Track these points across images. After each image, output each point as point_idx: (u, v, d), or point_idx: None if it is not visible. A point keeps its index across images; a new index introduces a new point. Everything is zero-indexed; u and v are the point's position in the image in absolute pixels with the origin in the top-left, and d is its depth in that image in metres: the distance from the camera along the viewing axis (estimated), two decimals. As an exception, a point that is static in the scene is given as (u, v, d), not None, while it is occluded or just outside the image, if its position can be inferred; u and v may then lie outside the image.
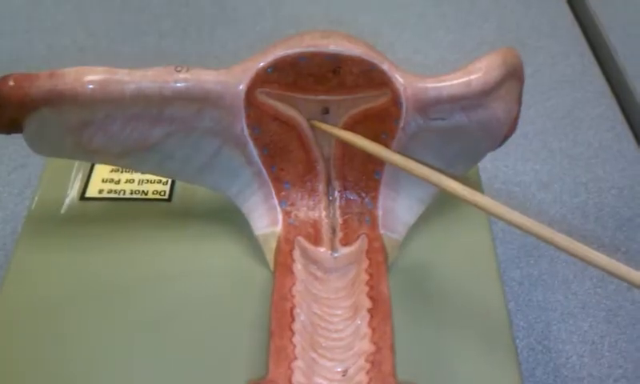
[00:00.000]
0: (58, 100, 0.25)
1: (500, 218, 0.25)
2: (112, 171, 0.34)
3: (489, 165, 0.43)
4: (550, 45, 0.53)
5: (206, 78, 0.26)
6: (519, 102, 0.30)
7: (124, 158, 0.28)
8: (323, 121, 0.28)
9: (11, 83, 0.25)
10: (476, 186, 0.33)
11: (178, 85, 0.26)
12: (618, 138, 0.46)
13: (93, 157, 0.28)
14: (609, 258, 0.24)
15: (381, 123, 0.28)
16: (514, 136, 0.30)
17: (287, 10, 0.55)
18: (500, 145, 0.30)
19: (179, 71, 0.26)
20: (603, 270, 0.24)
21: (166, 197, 0.33)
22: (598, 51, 0.54)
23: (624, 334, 0.36)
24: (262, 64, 0.27)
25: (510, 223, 0.25)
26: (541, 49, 0.53)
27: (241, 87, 0.27)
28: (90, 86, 0.25)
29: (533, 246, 0.39)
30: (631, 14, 0.56)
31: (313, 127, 0.29)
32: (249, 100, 0.27)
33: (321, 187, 0.30)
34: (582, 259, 0.24)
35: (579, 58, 0.52)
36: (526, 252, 0.39)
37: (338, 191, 0.30)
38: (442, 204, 0.31)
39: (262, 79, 0.27)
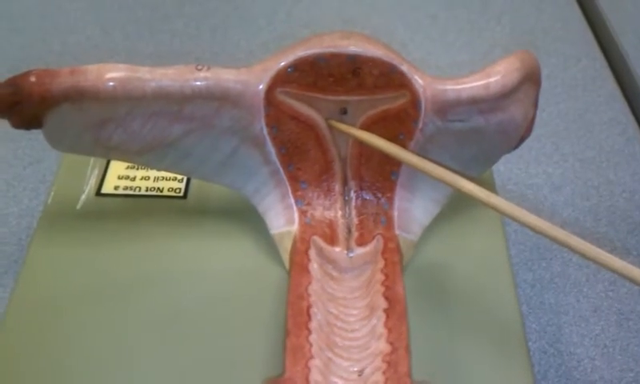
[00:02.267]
0: (78, 96, 0.25)
1: (515, 220, 0.25)
2: (128, 168, 0.34)
3: (502, 167, 0.43)
4: (562, 48, 0.53)
5: (227, 77, 0.26)
6: (536, 105, 0.30)
7: (142, 156, 0.28)
8: (341, 121, 0.29)
9: (32, 79, 0.25)
10: (490, 188, 0.33)
11: (199, 83, 0.26)
12: (630, 142, 0.46)
13: (111, 153, 0.29)
14: (622, 261, 0.24)
15: (399, 124, 0.28)
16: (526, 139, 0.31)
17: (300, 10, 0.56)
18: (516, 147, 0.30)
19: (200, 70, 0.26)
20: (617, 273, 0.24)
21: (182, 194, 0.33)
22: (610, 55, 0.54)
23: (636, 337, 0.36)
24: (282, 64, 0.27)
25: (525, 225, 0.25)
26: (553, 52, 0.53)
27: (261, 86, 0.27)
28: (111, 84, 0.25)
29: (545, 248, 0.39)
30: (643, 19, 0.56)
31: (330, 127, 0.29)
32: (268, 99, 0.27)
33: (337, 187, 0.30)
34: (596, 262, 0.24)
35: (591, 62, 0.52)
36: (539, 254, 0.39)
37: (354, 191, 0.30)
38: (455, 205, 0.31)
39: (282, 79, 0.27)
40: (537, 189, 0.43)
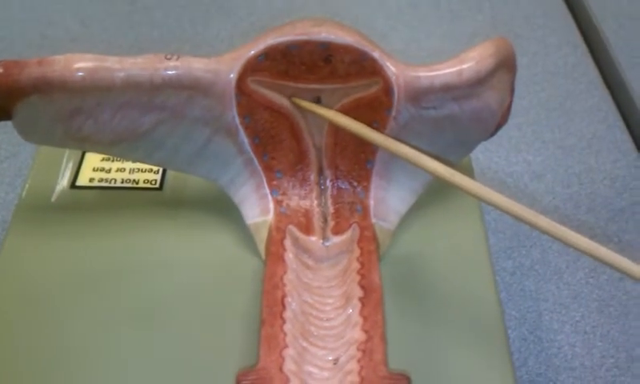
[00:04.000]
0: (47, 87, 0.25)
1: (492, 205, 0.25)
2: (103, 160, 0.33)
3: (481, 155, 0.43)
4: (544, 36, 0.53)
5: (197, 66, 0.26)
6: (512, 92, 0.30)
7: (114, 147, 0.28)
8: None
9: (0, 70, 0.25)
10: (469, 175, 0.33)
11: (169, 72, 0.26)
12: (611, 129, 0.46)
13: (83, 145, 0.28)
14: (600, 245, 0.23)
15: (372, 112, 0.28)
16: (506, 126, 0.30)
17: (281, 0, 0.55)
18: (493, 134, 0.30)
19: (169, 59, 0.26)
20: (594, 258, 0.24)
21: (157, 186, 0.33)
22: (591, 42, 0.54)
23: (616, 324, 0.36)
24: (253, 52, 0.26)
25: (501, 210, 0.25)
26: (534, 40, 0.53)
27: (232, 75, 0.27)
28: (80, 74, 0.25)
29: (525, 236, 0.39)
30: (624, 6, 0.56)
31: (298, 107, 0.28)
32: (240, 88, 0.27)
33: (312, 176, 0.30)
34: (574, 247, 0.24)
35: (572, 49, 0.52)
36: (518, 242, 0.39)
37: (330, 180, 0.30)
38: (434, 194, 0.31)
39: (253, 67, 0.27)
40: (517, 177, 0.43)
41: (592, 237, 0.24)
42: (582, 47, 0.53)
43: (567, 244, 0.24)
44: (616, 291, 0.37)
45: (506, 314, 0.36)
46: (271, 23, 0.52)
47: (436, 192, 0.31)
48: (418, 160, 0.26)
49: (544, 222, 0.24)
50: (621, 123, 0.47)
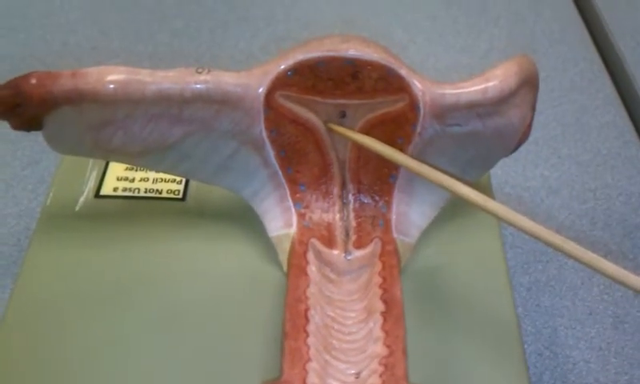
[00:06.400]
0: (79, 99, 0.26)
1: (511, 225, 0.25)
2: (127, 169, 0.34)
3: (499, 170, 0.43)
4: (560, 51, 0.54)
5: (227, 80, 0.26)
6: (533, 109, 0.30)
7: (142, 158, 0.28)
8: (340, 124, 0.29)
9: (33, 81, 0.26)
10: (487, 190, 0.33)
11: (199, 86, 0.26)
12: (627, 146, 0.46)
13: (111, 156, 0.29)
14: (617, 266, 0.24)
15: (398, 128, 0.28)
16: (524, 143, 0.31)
17: (299, 11, 0.56)
18: (514, 151, 0.31)
19: (200, 73, 0.26)
20: (611, 278, 0.24)
21: (180, 196, 0.33)
22: (607, 58, 0.54)
23: (630, 340, 0.36)
24: (282, 67, 0.27)
25: (521, 230, 0.25)
26: (550, 55, 0.53)
27: (261, 90, 0.27)
28: (112, 86, 0.25)
29: (541, 252, 0.39)
30: (640, 22, 0.56)
31: (330, 130, 0.29)
32: (268, 103, 0.27)
33: (335, 190, 0.30)
34: (591, 267, 0.24)
35: (589, 65, 0.53)
36: (535, 257, 0.39)
37: (353, 194, 0.30)
38: (453, 208, 0.31)
39: (282, 82, 0.27)
40: (534, 192, 0.43)
41: (607, 253, 0.24)
42: (599, 63, 0.53)
43: (600, 273, 0.24)
44: (630, 308, 0.38)
45: (523, 329, 0.36)
46: (290, 34, 0.53)
47: (454, 207, 0.31)
48: (452, 187, 0.26)
49: (579, 251, 0.24)
50: (637, 140, 0.47)
